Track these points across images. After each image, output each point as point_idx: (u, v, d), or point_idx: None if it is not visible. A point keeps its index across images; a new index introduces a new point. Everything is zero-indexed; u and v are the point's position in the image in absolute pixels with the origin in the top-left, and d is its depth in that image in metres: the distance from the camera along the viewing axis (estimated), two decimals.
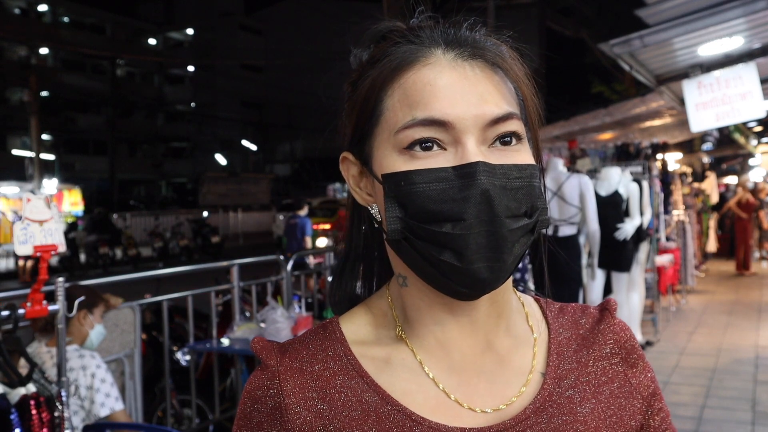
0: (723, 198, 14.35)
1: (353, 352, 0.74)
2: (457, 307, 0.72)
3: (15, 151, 31.89)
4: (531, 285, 4.77)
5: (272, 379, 0.72)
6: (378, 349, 0.75)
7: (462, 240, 0.64)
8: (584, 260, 5.88)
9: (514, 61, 0.74)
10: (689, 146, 12.27)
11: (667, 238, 8.73)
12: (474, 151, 0.66)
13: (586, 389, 0.75)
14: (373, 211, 0.74)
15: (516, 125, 0.69)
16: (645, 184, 6.82)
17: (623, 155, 8.69)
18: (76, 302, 2.69)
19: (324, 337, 0.76)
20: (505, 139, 0.69)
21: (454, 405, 0.71)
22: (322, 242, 14.58)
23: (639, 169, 7.40)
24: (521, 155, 0.70)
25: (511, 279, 0.76)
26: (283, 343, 0.77)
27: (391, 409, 0.70)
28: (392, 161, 0.69)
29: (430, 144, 0.67)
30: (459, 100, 0.67)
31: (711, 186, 13.32)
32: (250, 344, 0.76)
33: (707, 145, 11.66)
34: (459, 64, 0.69)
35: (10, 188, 17.68)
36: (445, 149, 0.67)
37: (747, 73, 5.93)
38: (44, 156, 23.48)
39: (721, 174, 17.08)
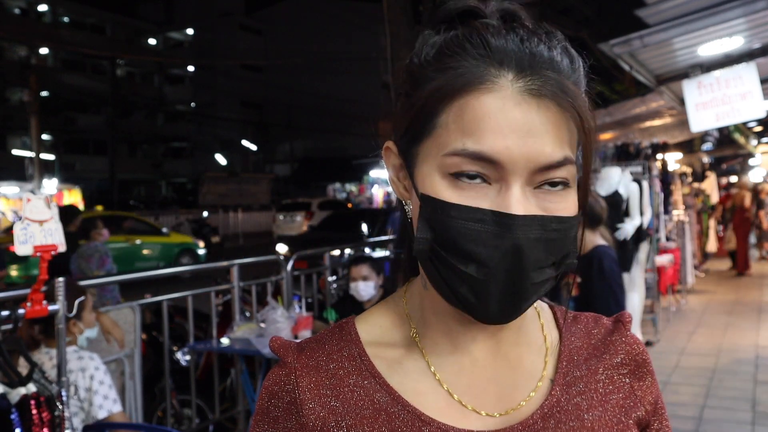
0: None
1: (367, 353, 0.76)
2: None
3: (15, 151, 31.89)
4: None
5: (289, 375, 0.75)
6: (391, 350, 0.76)
7: (483, 285, 0.65)
8: None
9: (583, 99, 0.70)
10: (689, 146, 12.25)
11: (667, 238, 8.73)
12: (517, 197, 0.65)
13: (593, 397, 0.75)
14: (407, 207, 0.76)
15: (567, 171, 0.67)
16: (645, 184, 6.83)
17: (623, 155, 8.68)
18: (76, 302, 2.69)
19: (340, 337, 0.78)
20: (553, 181, 0.67)
21: (461, 407, 0.73)
22: None
23: (639, 169, 7.40)
24: (565, 202, 0.68)
25: None
26: (301, 342, 0.79)
27: (401, 409, 0.71)
28: (435, 183, 0.68)
29: (476, 176, 0.66)
30: (515, 141, 0.64)
31: (711, 186, 13.31)
32: (269, 343, 0.78)
33: (707, 145, 11.65)
34: (525, 100, 0.65)
35: (10, 188, 17.66)
36: (490, 184, 0.66)
37: (747, 73, 5.93)
38: (44, 156, 23.47)
39: (721, 174, 17.07)
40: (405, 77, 0.73)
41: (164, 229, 16.50)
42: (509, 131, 0.64)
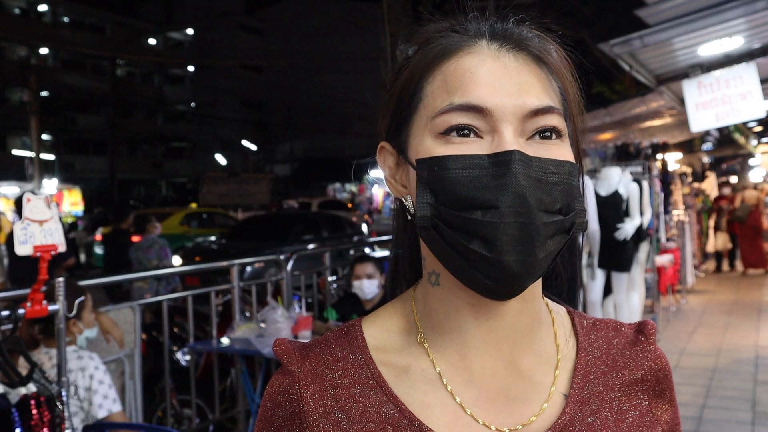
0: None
1: (374, 360, 0.73)
2: (486, 309, 0.70)
3: (15, 151, 31.86)
4: None
5: (293, 385, 0.73)
6: (399, 356, 0.74)
7: (492, 228, 0.62)
8: (584, 260, 5.88)
9: (560, 58, 0.72)
10: (689, 146, 12.26)
11: (668, 239, 8.73)
12: (510, 140, 0.65)
13: (608, 416, 0.72)
14: (407, 203, 0.73)
15: (556, 120, 0.68)
16: (645, 184, 6.82)
17: (623, 155, 8.69)
18: (76, 302, 2.69)
19: (346, 342, 0.75)
20: (544, 134, 0.67)
21: (470, 421, 0.70)
22: None
23: (639, 169, 7.41)
24: (561, 151, 0.68)
25: (540, 289, 0.75)
26: (305, 345, 0.76)
27: (408, 423, 0.69)
28: (428, 146, 0.68)
29: (467, 131, 0.66)
30: (498, 89, 0.66)
31: (711, 186, 13.32)
32: (273, 347, 0.76)
33: (707, 145, 11.67)
34: (502, 55, 0.68)
35: (10, 188, 17.68)
36: (482, 137, 0.66)
37: (747, 73, 5.94)
38: (44, 156, 23.45)
39: (721, 174, 17.07)
40: (388, 80, 0.76)
41: None
42: (492, 80, 0.66)
